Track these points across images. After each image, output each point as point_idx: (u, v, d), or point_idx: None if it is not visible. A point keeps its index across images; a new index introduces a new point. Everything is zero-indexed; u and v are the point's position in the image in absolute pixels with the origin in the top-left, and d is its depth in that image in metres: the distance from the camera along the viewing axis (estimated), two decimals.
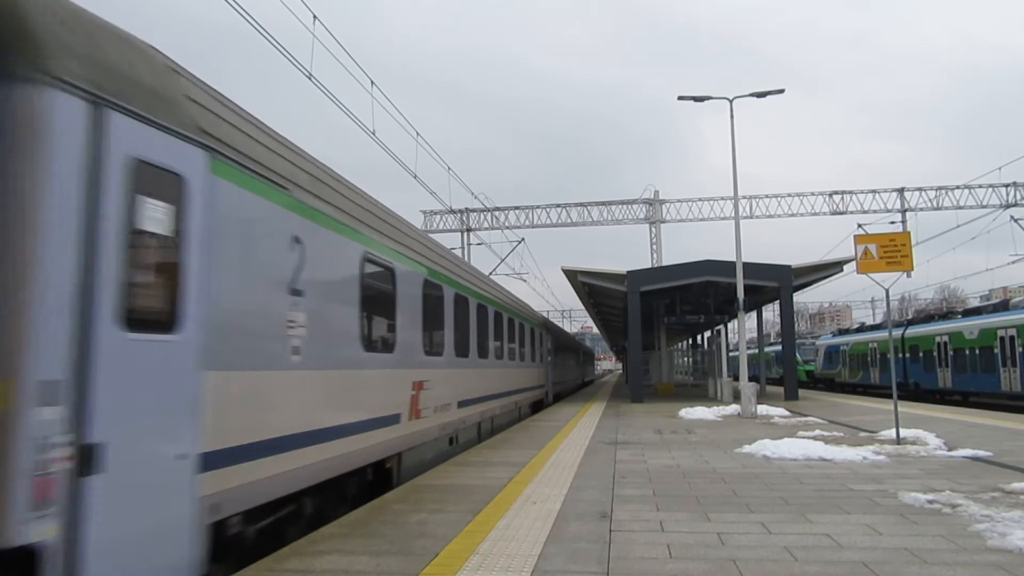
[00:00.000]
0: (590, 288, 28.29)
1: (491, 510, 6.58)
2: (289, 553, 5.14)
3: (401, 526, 5.96)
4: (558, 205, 39.29)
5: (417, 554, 5.07)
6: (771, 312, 47.15)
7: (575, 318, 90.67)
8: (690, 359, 52.33)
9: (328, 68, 15.08)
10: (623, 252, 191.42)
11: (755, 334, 41.12)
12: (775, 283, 24.97)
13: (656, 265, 35.29)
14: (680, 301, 29.55)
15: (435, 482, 8.23)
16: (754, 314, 35.25)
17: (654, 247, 39.16)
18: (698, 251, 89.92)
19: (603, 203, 39.36)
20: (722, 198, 37.32)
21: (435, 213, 39.06)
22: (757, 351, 36.10)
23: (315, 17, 13.24)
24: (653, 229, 39.23)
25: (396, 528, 5.88)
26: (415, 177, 21.55)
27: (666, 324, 32.38)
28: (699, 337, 46.55)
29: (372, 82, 16.12)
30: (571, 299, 76.49)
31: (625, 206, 39.32)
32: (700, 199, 38.32)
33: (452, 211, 37.21)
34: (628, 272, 25.45)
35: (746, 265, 21.96)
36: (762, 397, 22.10)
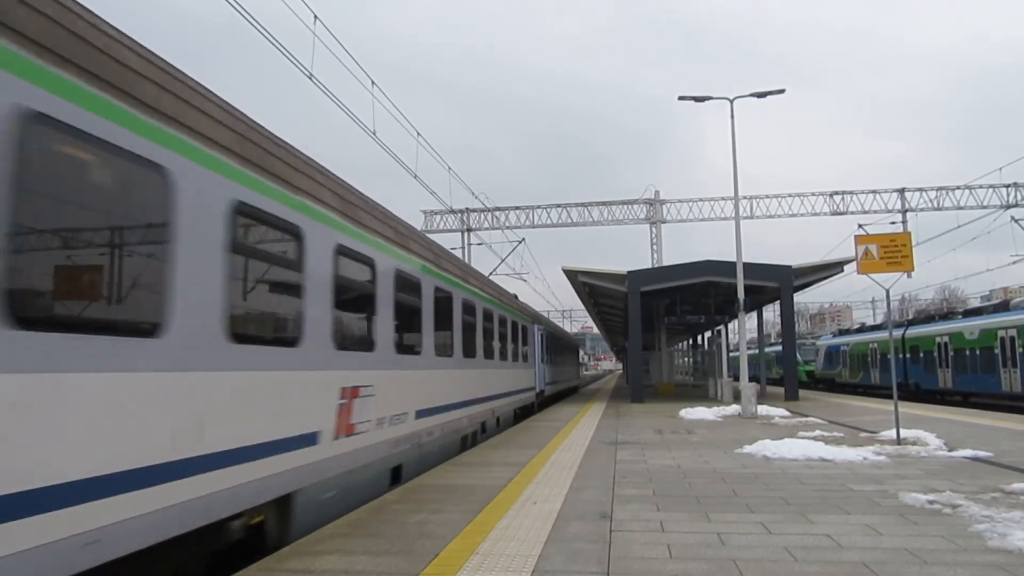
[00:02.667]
0: (590, 288, 28.30)
1: (491, 510, 6.58)
2: (289, 553, 5.14)
3: (401, 526, 5.96)
4: (558, 205, 39.34)
5: (417, 554, 5.07)
6: (771, 312, 47.09)
7: (575, 318, 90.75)
8: (690, 359, 52.36)
9: (329, 68, 15.11)
10: (623, 252, 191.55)
11: (755, 334, 41.11)
12: (775, 283, 24.98)
13: (656, 265, 35.29)
14: (680, 301, 29.55)
15: (435, 482, 8.24)
16: (754, 314, 35.24)
17: (654, 247, 39.18)
18: (698, 252, 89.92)
19: (603, 203, 39.38)
20: (723, 198, 37.32)
21: (435, 213, 39.09)
22: (757, 351, 36.10)
23: (316, 17, 13.25)
24: (653, 229, 39.24)
25: (396, 528, 5.89)
26: (415, 177, 21.59)
27: (666, 324, 32.39)
28: (699, 337, 46.56)
29: (372, 81, 16.14)
30: (571, 299, 76.61)
31: (626, 206, 39.34)
32: (701, 199, 38.31)
33: (452, 211, 37.25)
34: (628, 272, 25.46)
35: (746, 265, 21.96)
36: (762, 397, 22.11)
